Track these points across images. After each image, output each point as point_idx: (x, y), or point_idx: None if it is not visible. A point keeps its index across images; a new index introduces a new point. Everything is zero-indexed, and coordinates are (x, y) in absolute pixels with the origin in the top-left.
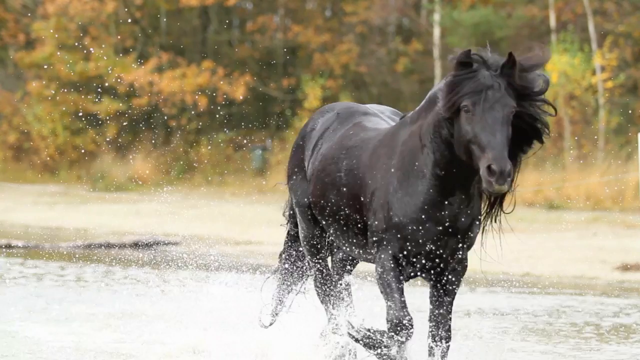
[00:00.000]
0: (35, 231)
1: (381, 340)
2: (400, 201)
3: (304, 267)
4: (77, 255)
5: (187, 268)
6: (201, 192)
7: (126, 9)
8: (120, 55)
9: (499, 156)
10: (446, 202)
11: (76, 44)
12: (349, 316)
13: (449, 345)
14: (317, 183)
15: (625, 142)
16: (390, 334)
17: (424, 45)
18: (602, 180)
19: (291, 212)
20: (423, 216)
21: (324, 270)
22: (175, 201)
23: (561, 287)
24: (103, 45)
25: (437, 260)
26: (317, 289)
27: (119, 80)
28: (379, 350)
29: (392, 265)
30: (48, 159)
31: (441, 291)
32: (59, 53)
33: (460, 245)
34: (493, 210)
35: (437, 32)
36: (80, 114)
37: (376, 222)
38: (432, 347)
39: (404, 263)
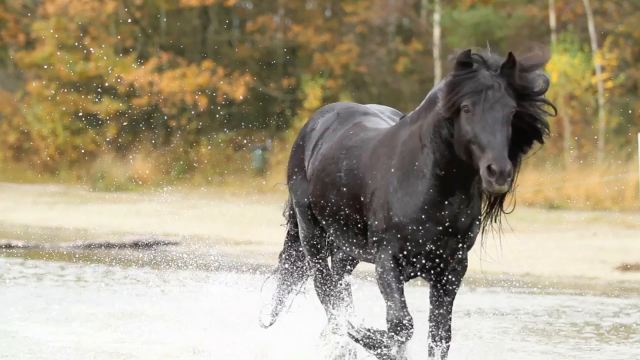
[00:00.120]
0: (35, 231)
1: (381, 340)
2: (400, 201)
3: (304, 267)
4: (77, 255)
5: (187, 268)
6: (201, 192)
7: (126, 9)
8: (120, 55)
9: (499, 156)
10: (446, 202)
11: (76, 44)
12: (349, 316)
13: (449, 345)
14: (317, 183)
15: (625, 142)
16: (390, 334)
17: (424, 45)
18: (602, 180)
19: (291, 212)
20: (423, 216)
21: (324, 271)
22: (175, 201)
23: (561, 287)
24: (103, 45)
25: (437, 260)
26: (317, 289)
27: (119, 80)
28: (379, 350)
29: (392, 265)
30: (48, 159)
31: (441, 291)
32: (59, 53)
33: (460, 245)
34: (493, 210)
35: (437, 32)
36: (80, 114)
37: (376, 222)
38: (432, 347)
39: (404, 263)
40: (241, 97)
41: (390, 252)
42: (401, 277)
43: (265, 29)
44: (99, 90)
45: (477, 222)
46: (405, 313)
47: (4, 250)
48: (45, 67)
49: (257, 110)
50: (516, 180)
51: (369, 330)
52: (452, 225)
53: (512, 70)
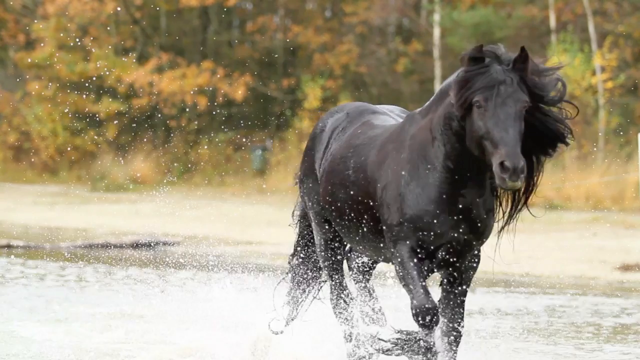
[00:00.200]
0: (35, 231)
1: (415, 333)
2: (413, 193)
3: (317, 272)
4: (77, 255)
5: (187, 268)
6: (201, 192)
7: (126, 10)
8: (121, 55)
9: (511, 152)
10: (459, 195)
11: (75, 42)
12: (375, 326)
13: (460, 341)
14: (327, 183)
15: (625, 142)
16: (419, 326)
17: (424, 46)
18: (602, 180)
19: (301, 215)
20: (436, 208)
21: (340, 287)
22: (175, 201)
23: (561, 287)
24: (109, 46)
25: (453, 253)
26: (333, 307)
27: (119, 80)
28: (415, 346)
29: (411, 255)
30: (48, 159)
31: (455, 284)
32: (58, 54)
33: (475, 238)
34: (518, 208)
35: (437, 32)
36: (80, 114)
37: (390, 217)
38: (444, 343)
39: (421, 256)
40: (241, 97)
41: (407, 244)
42: (421, 266)
43: (265, 29)
44: (99, 90)
45: (492, 215)
46: (430, 299)
47: (4, 250)
48: (47, 64)
49: (257, 110)
50: (539, 182)
51: (399, 332)
52: (466, 217)
53: (525, 65)
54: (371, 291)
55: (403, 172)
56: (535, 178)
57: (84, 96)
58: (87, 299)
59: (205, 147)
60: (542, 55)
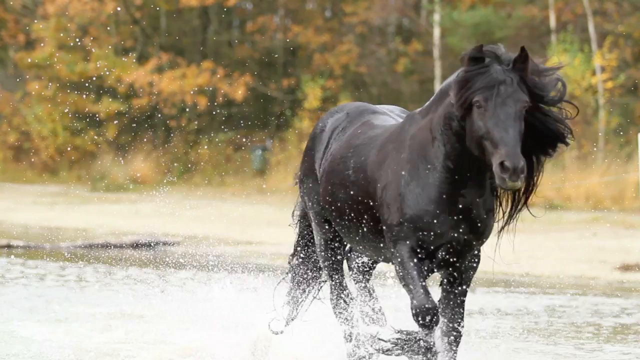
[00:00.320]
0: (35, 231)
1: (415, 333)
2: (413, 193)
3: (317, 272)
4: (77, 255)
5: (187, 268)
6: (201, 192)
7: (126, 9)
8: (121, 55)
9: (511, 152)
10: (459, 195)
11: (76, 42)
12: (375, 325)
13: (460, 340)
14: (326, 183)
15: (625, 142)
16: (419, 326)
17: (424, 46)
18: (602, 180)
19: (300, 215)
20: (436, 208)
21: (340, 287)
22: (175, 201)
23: (561, 287)
24: (108, 47)
25: (453, 253)
26: (333, 307)
27: (119, 80)
28: (415, 346)
29: (411, 255)
30: (48, 159)
31: (455, 284)
32: (58, 54)
33: (475, 238)
34: (518, 208)
35: (437, 32)
36: (80, 115)
37: (390, 217)
38: (444, 343)
39: (421, 256)
40: (241, 97)
41: (407, 244)
42: (421, 266)
43: (265, 29)
44: (99, 90)
45: (492, 215)
46: (430, 299)
47: (5, 250)
48: (47, 63)
49: (257, 110)
50: (540, 181)
51: (399, 332)
52: (466, 217)
53: (525, 65)
54: (371, 291)
55: (403, 172)
56: (536, 178)
57: (84, 96)
58: (87, 299)
59: (205, 147)
60: (542, 55)
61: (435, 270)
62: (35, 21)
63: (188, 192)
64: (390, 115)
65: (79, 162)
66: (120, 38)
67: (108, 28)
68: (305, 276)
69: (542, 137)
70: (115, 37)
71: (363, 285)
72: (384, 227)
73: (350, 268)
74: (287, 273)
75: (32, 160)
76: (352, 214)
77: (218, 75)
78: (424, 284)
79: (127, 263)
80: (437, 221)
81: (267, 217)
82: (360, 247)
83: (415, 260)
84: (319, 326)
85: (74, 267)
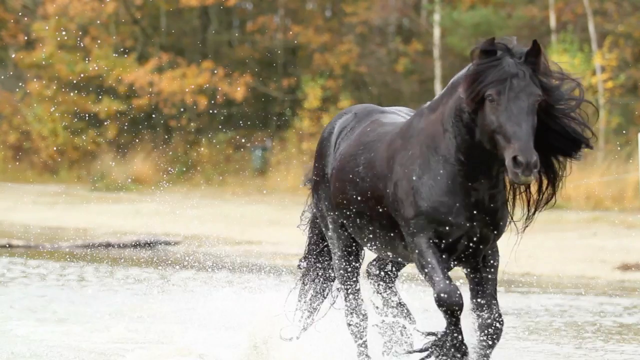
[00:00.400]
0: (35, 231)
1: (446, 333)
2: (425, 185)
3: (328, 277)
4: (77, 255)
5: (187, 268)
6: (201, 192)
7: (124, 9)
8: (121, 55)
9: (524, 147)
10: (472, 187)
11: (77, 41)
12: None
13: (501, 330)
14: (338, 181)
15: (625, 142)
16: (444, 314)
17: (424, 46)
18: (602, 180)
19: (310, 219)
20: (450, 199)
21: (354, 299)
22: (175, 201)
23: (561, 287)
24: (107, 47)
25: (470, 245)
26: (345, 315)
27: (119, 80)
28: (447, 345)
29: (429, 245)
30: (48, 159)
31: (480, 280)
32: (59, 52)
33: (491, 230)
34: (540, 208)
35: (437, 32)
36: (80, 115)
37: (405, 211)
38: (480, 338)
39: (441, 247)
40: (241, 97)
41: (425, 235)
42: (441, 255)
43: (265, 29)
44: (99, 90)
45: (506, 207)
46: (453, 285)
47: (5, 249)
48: (43, 63)
49: (257, 110)
50: (564, 183)
51: (431, 334)
52: (480, 209)
53: (537, 59)
54: (400, 303)
55: (414, 166)
56: (558, 178)
57: (84, 95)
58: (87, 299)
59: (205, 147)
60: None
61: (455, 264)
62: (36, 21)
63: (188, 192)
64: (398, 114)
65: (79, 162)
66: (120, 38)
67: (108, 28)
68: (316, 281)
69: (561, 137)
70: (115, 37)
71: (388, 297)
72: (402, 222)
73: (370, 276)
74: (299, 279)
75: (32, 160)
76: (364, 211)
77: (218, 75)
78: (445, 270)
79: (127, 263)
80: (451, 212)
81: (267, 217)
82: (375, 245)
83: (433, 249)
84: (319, 326)
85: (74, 267)
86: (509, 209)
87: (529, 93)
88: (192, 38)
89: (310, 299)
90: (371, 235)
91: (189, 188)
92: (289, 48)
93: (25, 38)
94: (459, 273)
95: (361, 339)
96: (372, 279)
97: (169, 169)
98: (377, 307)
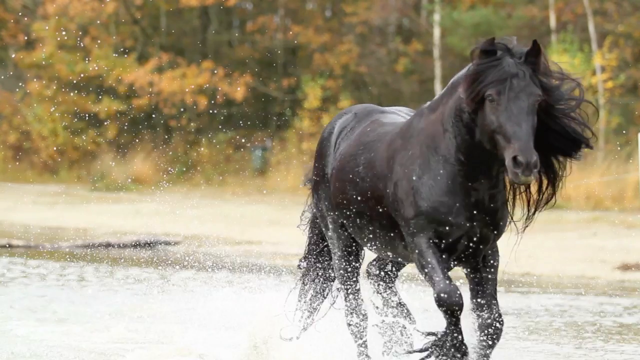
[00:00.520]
0: (35, 231)
1: (446, 333)
2: (425, 185)
3: (328, 277)
4: (77, 255)
5: (187, 268)
6: (201, 192)
7: (124, 9)
8: (121, 55)
9: (524, 147)
10: (472, 187)
11: (77, 41)
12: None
13: (501, 330)
14: (337, 181)
15: (625, 142)
16: (444, 314)
17: (424, 46)
18: (602, 180)
19: (310, 219)
20: (450, 199)
21: (353, 299)
22: (175, 201)
23: (561, 287)
24: (107, 47)
25: (470, 245)
26: (345, 315)
27: (119, 80)
28: (447, 345)
29: (429, 245)
30: (48, 159)
31: (481, 280)
32: (59, 52)
33: (491, 230)
34: (540, 208)
35: (437, 32)
36: (80, 115)
37: (405, 211)
38: (480, 338)
39: (441, 247)
40: (241, 97)
41: (425, 235)
42: (441, 255)
43: (265, 29)
44: (99, 90)
45: (506, 207)
46: (453, 285)
47: (6, 249)
48: (43, 63)
49: (257, 110)
50: (564, 183)
51: (431, 334)
52: (480, 209)
53: (537, 59)
54: (400, 304)
55: (414, 166)
56: (559, 178)
57: (84, 95)
58: (87, 299)
59: (205, 147)
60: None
61: (455, 263)
62: (36, 21)
63: (188, 192)
64: (399, 114)
65: (79, 162)
66: (120, 38)
67: (108, 28)
68: (316, 281)
69: (561, 137)
70: (115, 37)
71: (388, 297)
72: (402, 222)
73: (370, 277)
74: (299, 279)
75: (32, 160)
76: (364, 211)
77: (218, 75)
78: (445, 270)
79: (127, 263)
80: (451, 212)
81: (267, 217)
82: (375, 245)
83: (433, 249)
84: (319, 326)
85: (74, 267)
86: (509, 209)
87: (529, 93)
88: (192, 38)
89: (310, 299)
90: (371, 235)
91: (189, 188)
92: (289, 48)
93: (25, 38)
94: (459, 273)
95: (361, 339)
96: (372, 279)
97: (169, 169)
98: (377, 307)
